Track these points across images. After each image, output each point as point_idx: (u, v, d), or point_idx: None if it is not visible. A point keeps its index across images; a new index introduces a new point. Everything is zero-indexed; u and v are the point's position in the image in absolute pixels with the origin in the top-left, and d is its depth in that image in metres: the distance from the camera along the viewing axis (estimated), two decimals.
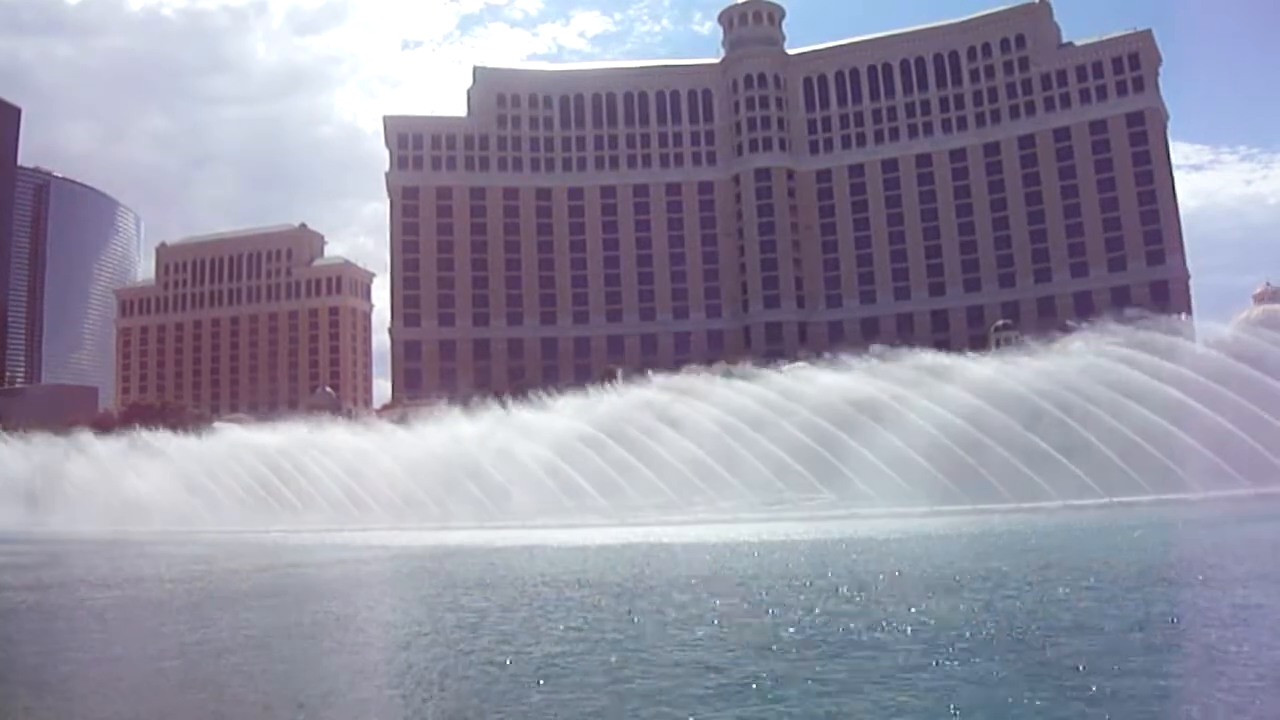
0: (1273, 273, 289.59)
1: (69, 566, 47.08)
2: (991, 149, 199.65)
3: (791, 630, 18.87)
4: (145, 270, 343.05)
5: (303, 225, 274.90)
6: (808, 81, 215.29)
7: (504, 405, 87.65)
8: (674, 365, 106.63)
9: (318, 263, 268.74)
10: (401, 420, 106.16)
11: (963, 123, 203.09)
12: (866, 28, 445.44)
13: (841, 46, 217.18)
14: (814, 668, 15.46)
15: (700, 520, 68.51)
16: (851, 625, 19.18)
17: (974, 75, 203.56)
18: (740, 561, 36.62)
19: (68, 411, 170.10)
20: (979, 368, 75.79)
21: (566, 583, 29.82)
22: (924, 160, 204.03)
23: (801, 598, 23.81)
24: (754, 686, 14.33)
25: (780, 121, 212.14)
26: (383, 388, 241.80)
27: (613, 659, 16.77)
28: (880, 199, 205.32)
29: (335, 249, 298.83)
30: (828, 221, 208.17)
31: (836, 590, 24.78)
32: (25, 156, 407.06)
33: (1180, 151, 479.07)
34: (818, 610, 21.40)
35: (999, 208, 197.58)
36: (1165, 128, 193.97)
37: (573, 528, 66.67)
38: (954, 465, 69.06)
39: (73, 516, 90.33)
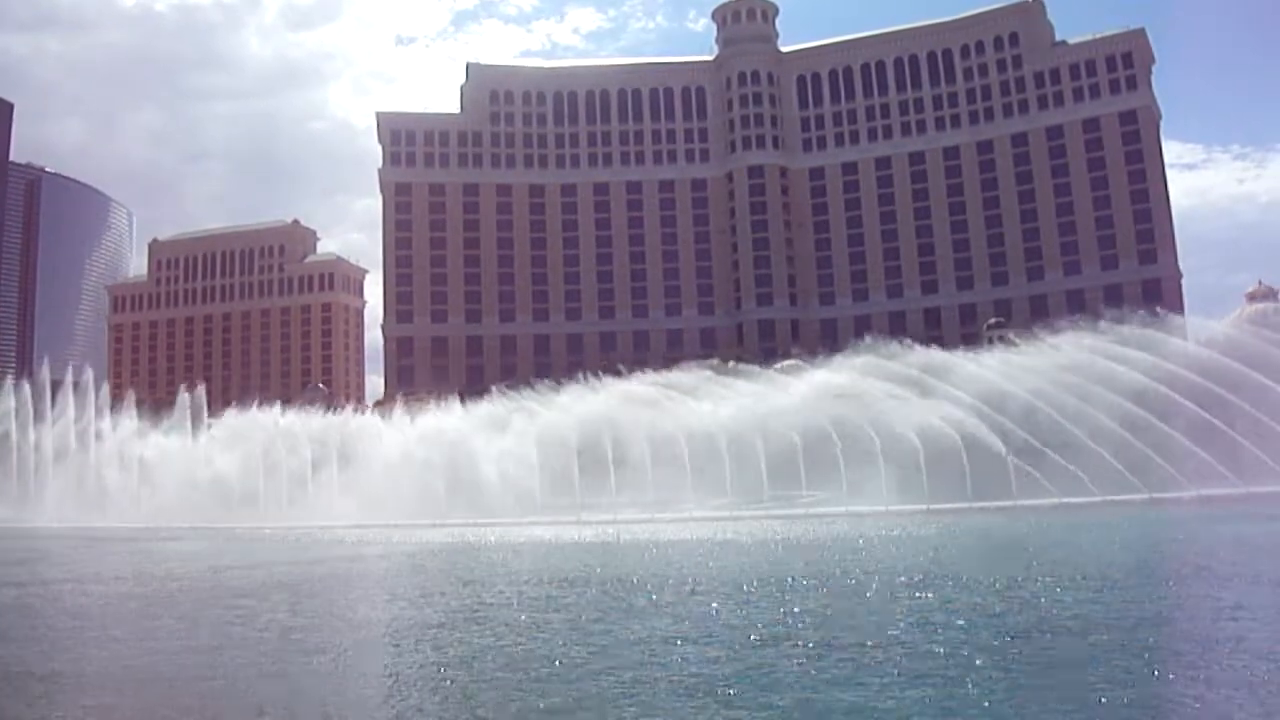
0: (1265, 271, 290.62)
1: None
2: (985, 147, 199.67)
3: None
4: (137, 266, 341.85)
5: (295, 221, 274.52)
6: (801, 79, 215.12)
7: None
8: (666, 362, 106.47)
9: (310, 259, 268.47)
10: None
11: (956, 121, 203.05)
12: (859, 26, 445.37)
13: (835, 44, 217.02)
14: None
15: (692, 519, 68.59)
16: None
17: (967, 73, 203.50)
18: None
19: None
20: (973, 367, 75.85)
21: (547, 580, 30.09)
22: (917, 158, 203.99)
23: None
24: None
25: (773, 119, 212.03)
26: (375, 384, 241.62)
27: None
28: (873, 197, 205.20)
29: (328, 245, 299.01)
30: (821, 219, 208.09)
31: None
32: (17, 152, 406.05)
33: (1173, 150, 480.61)
34: None
35: (992, 206, 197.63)
36: (1158, 126, 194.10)
37: (559, 525, 66.80)
38: (952, 464, 69.15)
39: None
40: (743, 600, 26.71)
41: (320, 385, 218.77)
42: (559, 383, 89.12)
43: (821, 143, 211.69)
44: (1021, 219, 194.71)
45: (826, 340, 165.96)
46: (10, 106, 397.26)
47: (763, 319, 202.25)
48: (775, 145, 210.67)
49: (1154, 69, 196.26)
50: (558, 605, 26.81)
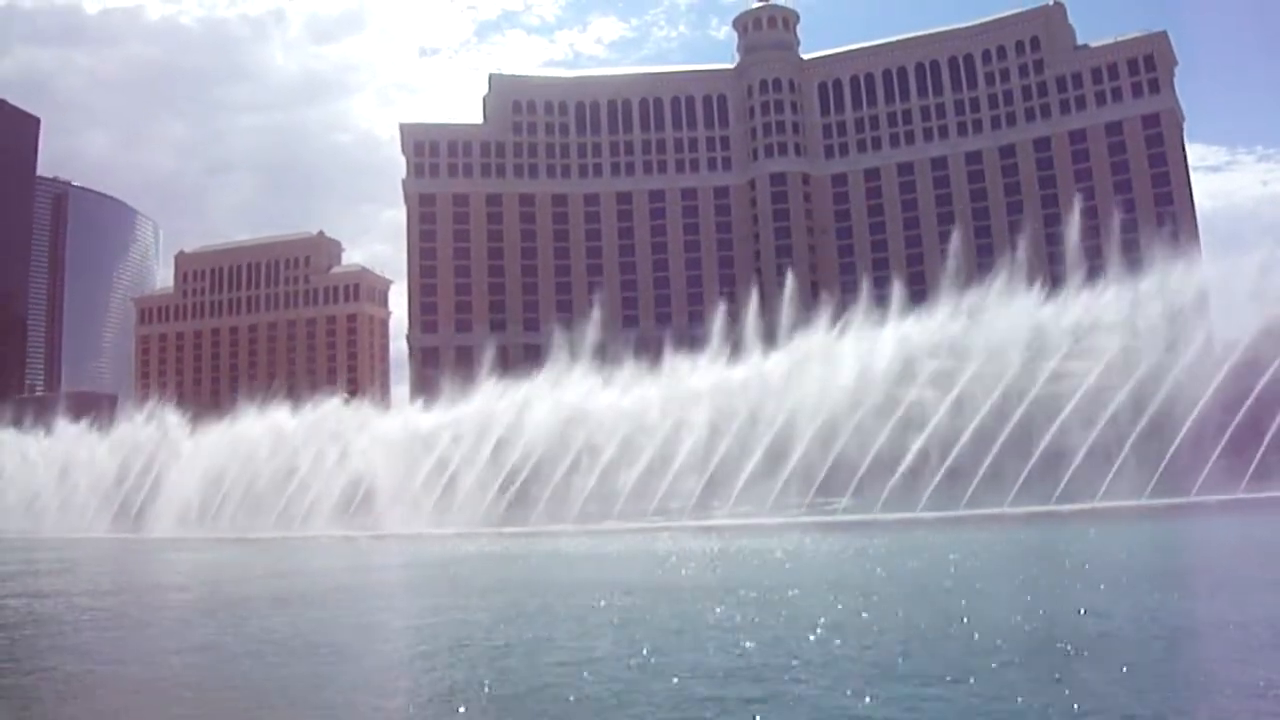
0: None
1: None
2: (1007, 152, 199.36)
3: None
4: (164, 278, 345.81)
5: (320, 232, 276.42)
6: (822, 86, 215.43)
7: None
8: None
9: (335, 270, 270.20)
10: None
11: (978, 126, 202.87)
12: (880, 32, 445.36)
13: (856, 51, 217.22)
14: None
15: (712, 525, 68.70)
16: None
17: (989, 78, 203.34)
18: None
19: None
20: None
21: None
22: (939, 164, 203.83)
23: None
24: None
25: (795, 126, 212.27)
26: (401, 395, 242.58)
27: None
28: (896, 203, 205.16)
29: (353, 256, 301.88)
30: (844, 225, 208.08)
31: None
32: (44, 165, 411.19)
33: (1196, 152, 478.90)
34: None
35: (1015, 211, 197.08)
36: (1182, 129, 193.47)
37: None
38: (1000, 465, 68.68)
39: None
40: None
41: (346, 396, 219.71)
42: None
43: (844, 149, 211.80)
44: (1044, 223, 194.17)
45: None
46: (37, 121, 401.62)
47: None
48: (797, 152, 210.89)
49: (1176, 71, 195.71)
50: None
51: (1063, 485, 65.77)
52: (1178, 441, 64.50)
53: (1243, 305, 71.40)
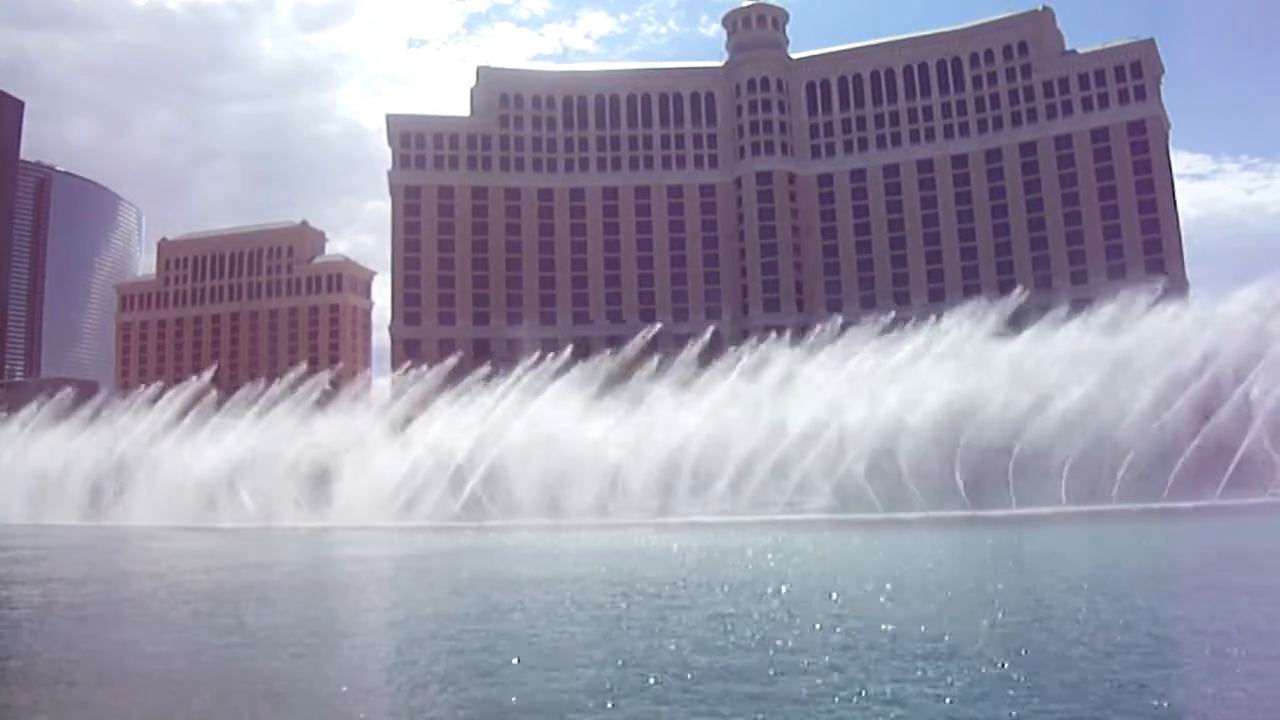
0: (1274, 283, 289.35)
1: None
2: (993, 155, 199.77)
3: None
4: (146, 265, 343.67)
5: (304, 222, 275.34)
6: (810, 86, 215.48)
7: None
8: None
9: (318, 260, 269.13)
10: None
11: (965, 129, 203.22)
12: (869, 33, 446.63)
13: (844, 51, 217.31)
14: None
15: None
16: None
17: (976, 82, 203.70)
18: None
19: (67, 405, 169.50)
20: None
21: None
22: (925, 166, 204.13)
23: None
24: None
25: (782, 125, 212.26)
26: (382, 386, 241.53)
27: None
28: (881, 204, 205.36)
29: (337, 246, 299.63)
30: (829, 226, 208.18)
31: None
32: (28, 150, 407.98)
33: (1182, 160, 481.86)
34: None
35: (999, 215, 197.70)
36: (1167, 137, 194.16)
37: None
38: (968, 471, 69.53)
39: None
40: None
41: (327, 386, 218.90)
42: None
43: (830, 149, 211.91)
44: (1029, 228, 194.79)
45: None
46: (21, 104, 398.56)
47: (769, 325, 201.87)
48: (784, 151, 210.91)
49: (1163, 79, 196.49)
50: None
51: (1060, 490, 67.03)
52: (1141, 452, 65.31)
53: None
